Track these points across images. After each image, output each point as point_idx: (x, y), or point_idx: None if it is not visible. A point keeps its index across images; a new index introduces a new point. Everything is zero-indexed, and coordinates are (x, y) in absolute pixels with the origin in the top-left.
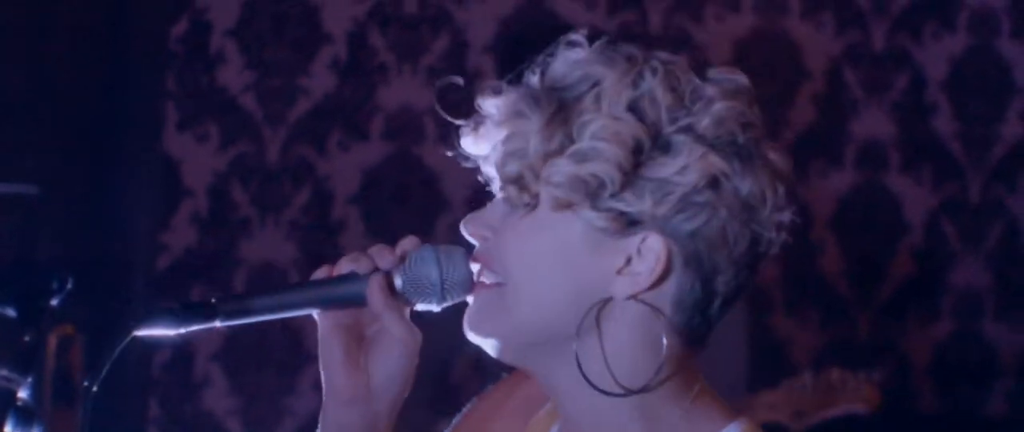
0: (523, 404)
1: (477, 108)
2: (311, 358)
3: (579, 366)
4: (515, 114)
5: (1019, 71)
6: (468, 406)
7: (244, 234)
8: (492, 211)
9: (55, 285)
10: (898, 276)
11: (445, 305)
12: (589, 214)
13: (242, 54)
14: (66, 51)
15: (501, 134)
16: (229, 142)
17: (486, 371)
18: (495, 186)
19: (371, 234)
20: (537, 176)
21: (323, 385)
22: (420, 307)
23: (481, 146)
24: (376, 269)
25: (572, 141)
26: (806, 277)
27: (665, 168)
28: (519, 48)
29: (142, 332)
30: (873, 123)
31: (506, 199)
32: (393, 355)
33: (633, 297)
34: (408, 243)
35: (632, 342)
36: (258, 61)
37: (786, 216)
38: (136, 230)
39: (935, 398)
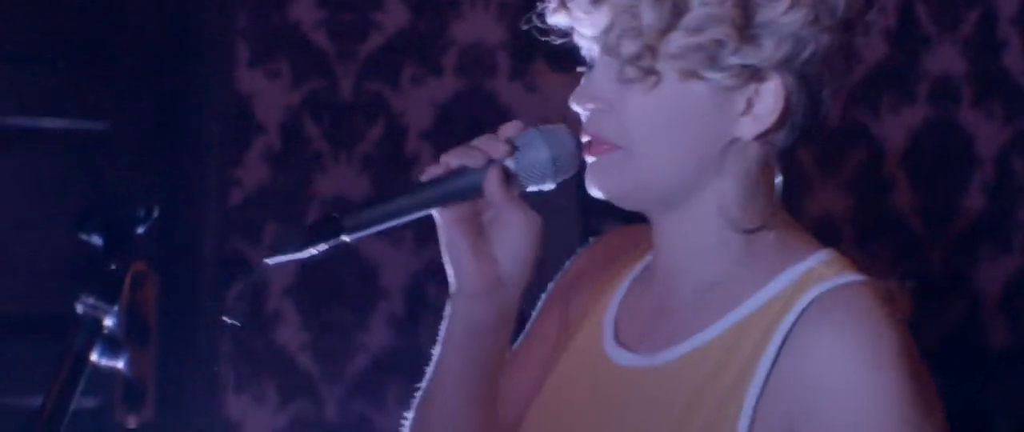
0: (613, 254)
1: None
2: (384, 293)
3: (702, 211)
4: None
5: None
6: (567, 263)
7: (317, 170)
8: (600, 82)
9: (142, 213)
10: (969, 211)
11: (558, 181)
12: (713, 75)
13: None
14: None
15: (601, 9)
16: (301, 78)
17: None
18: (592, 54)
19: None
20: (655, 52)
21: (453, 282)
22: (532, 188)
23: (581, 21)
24: (490, 160)
25: (683, 10)
26: (878, 212)
27: (773, 11)
28: None
29: (273, 260)
30: (945, 58)
31: (621, 73)
32: (518, 241)
33: (758, 137)
34: (511, 128)
35: (754, 178)
36: None
37: (873, 14)
38: (208, 166)
39: (1007, 333)
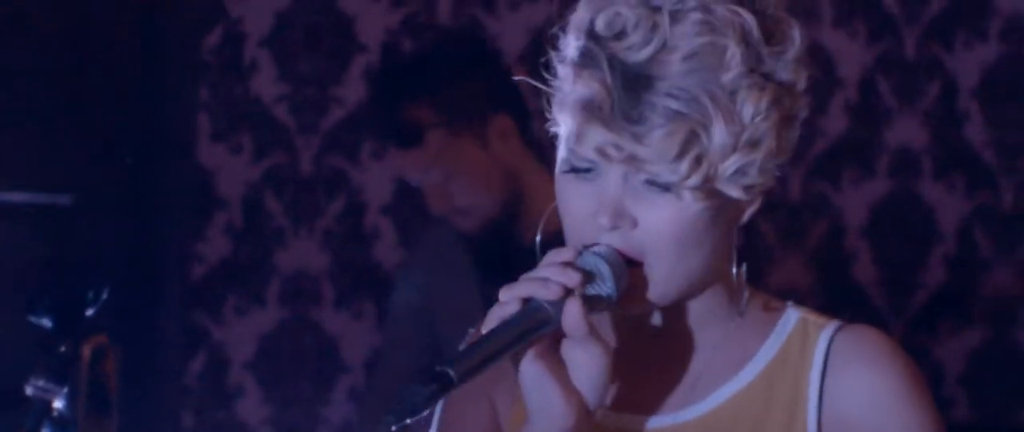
0: None
1: (602, 102)
2: (345, 367)
3: (708, 289)
4: (681, 115)
5: None
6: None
7: (278, 244)
8: (620, 198)
9: (91, 295)
10: (931, 284)
11: (614, 305)
12: (762, 183)
13: (275, 64)
14: (99, 61)
15: (656, 135)
16: (263, 152)
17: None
18: (583, 160)
19: (404, 244)
20: (715, 174)
21: (535, 418)
22: (594, 314)
23: (621, 149)
24: (567, 292)
25: (743, 127)
26: (839, 286)
27: (793, 103)
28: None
29: (398, 426)
30: (906, 131)
31: (677, 198)
32: (596, 368)
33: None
34: (569, 254)
35: (738, 247)
36: (291, 71)
37: None
38: (170, 240)
39: (968, 406)
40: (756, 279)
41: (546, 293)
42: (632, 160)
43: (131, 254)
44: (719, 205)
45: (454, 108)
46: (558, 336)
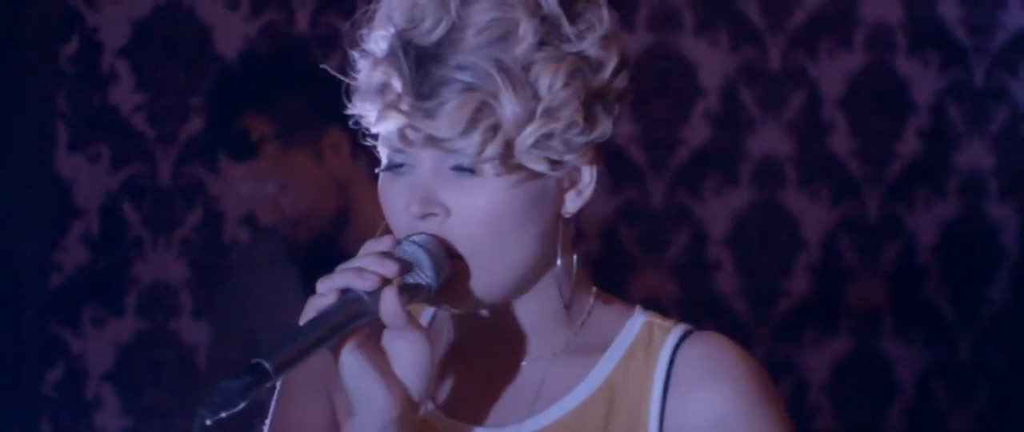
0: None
1: (387, 86)
2: (203, 377)
3: (539, 290)
4: (471, 87)
5: (916, 88)
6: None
7: (136, 254)
8: (433, 185)
9: None
10: (795, 294)
11: (436, 296)
12: (569, 160)
13: (133, 73)
14: None
15: (448, 110)
16: (121, 162)
17: None
18: (397, 153)
19: None
20: (514, 148)
21: (360, 411)
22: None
23: (419, 125)
24: (384, 281)
25: (539, 96)
26: (702, 296)
27: (600, 79)
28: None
29: (212, 420)
30: (769, 141)
31: (479, 173)
32: (419, 356)
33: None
34: (387, 244)
35: (572, 250)
36: (149, 80)
37: None
38: (27, 250)
39: (833, 416)
40: (617, 289)
41: (363, 283)
42: (430, 140)
43: None
44: (533, 190)
45: (289, 120)
46: (379, 326)
